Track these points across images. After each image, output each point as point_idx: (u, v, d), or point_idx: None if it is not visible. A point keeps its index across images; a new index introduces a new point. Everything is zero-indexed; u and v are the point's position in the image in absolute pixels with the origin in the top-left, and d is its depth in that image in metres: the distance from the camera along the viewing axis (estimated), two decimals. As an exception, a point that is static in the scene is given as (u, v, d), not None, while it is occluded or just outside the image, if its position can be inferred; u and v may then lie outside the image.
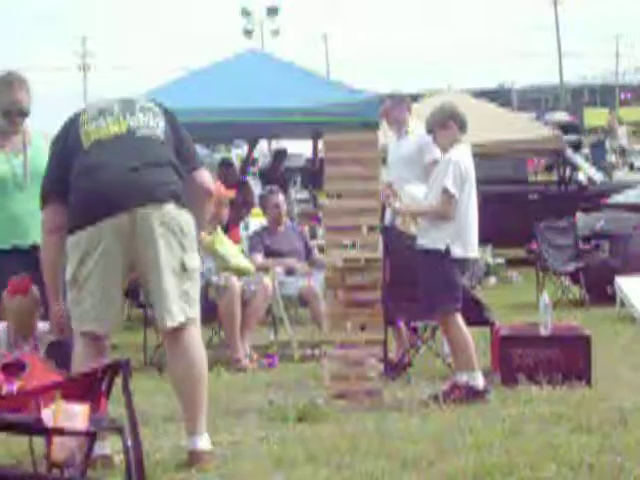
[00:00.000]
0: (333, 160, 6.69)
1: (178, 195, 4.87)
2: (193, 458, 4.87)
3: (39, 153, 5.70)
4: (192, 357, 4.90)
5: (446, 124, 6.58)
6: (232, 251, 8.45)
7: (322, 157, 10.14)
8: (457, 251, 6.44)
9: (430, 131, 6.71)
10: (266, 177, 14.74)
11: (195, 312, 4.96)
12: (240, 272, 8.25)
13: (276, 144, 24.63)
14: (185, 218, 4.88)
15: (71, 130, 4.99)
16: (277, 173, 14.67)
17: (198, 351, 4.94)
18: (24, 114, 5.71)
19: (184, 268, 4.87)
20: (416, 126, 8.26)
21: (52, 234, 4.99)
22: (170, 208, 4.82)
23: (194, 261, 4.95)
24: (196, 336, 4.97)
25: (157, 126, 5.00)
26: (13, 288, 5.26)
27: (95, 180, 4.80)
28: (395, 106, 8.38)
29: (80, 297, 4.85)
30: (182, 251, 4.86)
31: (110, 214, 4.73)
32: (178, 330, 4.88)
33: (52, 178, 5.01)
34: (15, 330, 5.27)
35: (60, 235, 4.93)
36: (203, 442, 4.91)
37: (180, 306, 4.86)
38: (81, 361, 4.77)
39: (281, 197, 9.36)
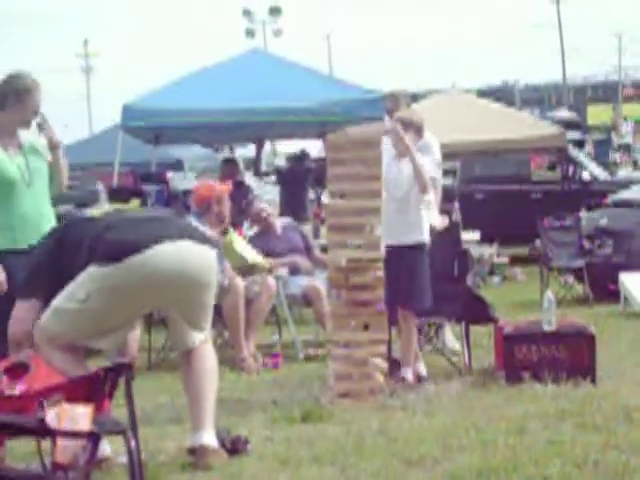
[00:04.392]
0: (336, 160, 6.68)
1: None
2: (197, 453, 4.86)
3: (33, 152, 5.74)
4: (207, 361, 5.01)
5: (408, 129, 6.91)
6: (247, 248, 8.47)
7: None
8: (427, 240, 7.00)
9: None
10: (285, 180, 14.54)
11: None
12: (257, 269, 8.28)
13: (279, 144, 24.55)
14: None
15: None
16: (295, 175, 14.54)
17: (212, 357, 5.07)
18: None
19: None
20: None
21: None
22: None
23: None
24: (209, 346, 5.09)
25: None
26: None
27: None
28: (399, 107, 8.28)
29: (77, 313, 4.68)
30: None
31: (148, 246, 4.67)
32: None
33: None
34: None
35: None
36: (208, 438, 4.89)
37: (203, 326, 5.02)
38: (66, 364, 4.63)
39: (262, 204, 9.50)
